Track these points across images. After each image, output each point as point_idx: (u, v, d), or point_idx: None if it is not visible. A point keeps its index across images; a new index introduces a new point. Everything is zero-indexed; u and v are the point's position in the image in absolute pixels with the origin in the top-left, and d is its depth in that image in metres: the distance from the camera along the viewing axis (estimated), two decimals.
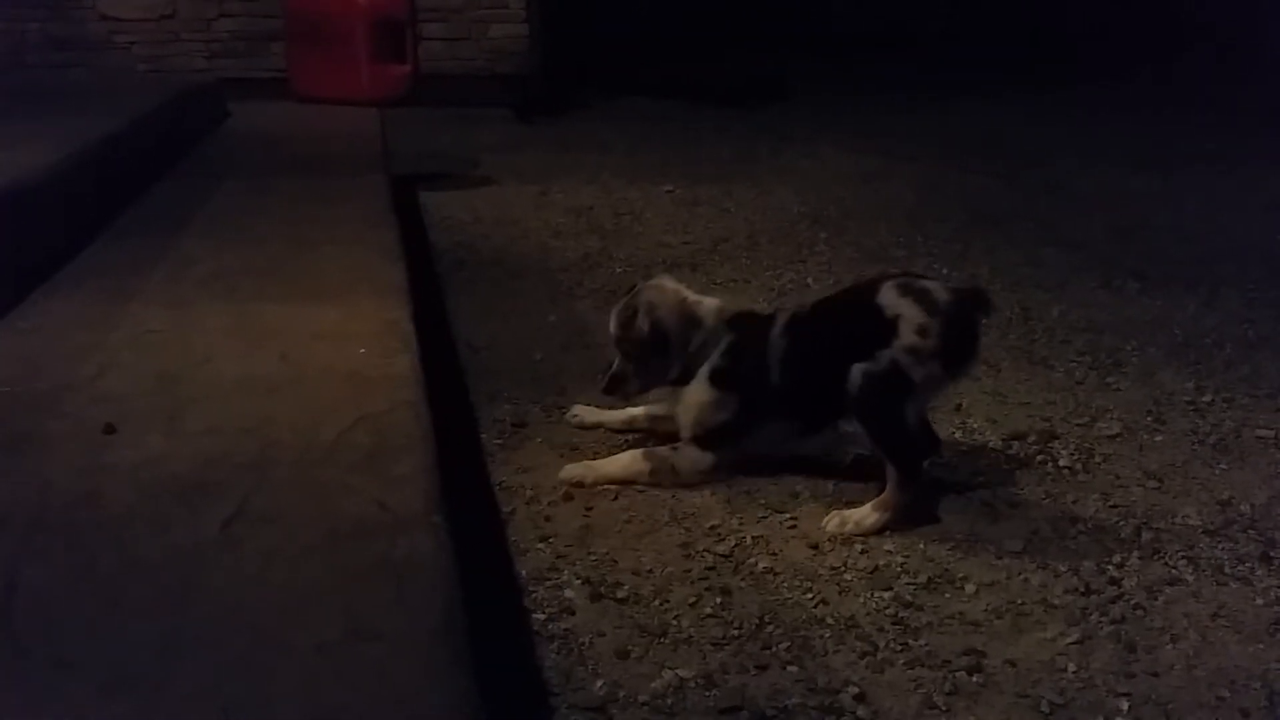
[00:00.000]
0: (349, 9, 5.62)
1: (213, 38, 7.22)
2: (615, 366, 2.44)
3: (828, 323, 2.36)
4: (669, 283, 2.50)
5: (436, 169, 5.52)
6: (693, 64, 9.17)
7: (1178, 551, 2.14)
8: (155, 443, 1.82)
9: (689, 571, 2.05)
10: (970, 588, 2.01)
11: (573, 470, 2.38)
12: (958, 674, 1.77)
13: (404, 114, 5.76)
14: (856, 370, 2.19)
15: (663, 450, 2.40)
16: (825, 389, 2.28)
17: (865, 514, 2.20)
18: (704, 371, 2.38)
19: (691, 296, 2.46)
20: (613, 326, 2.45)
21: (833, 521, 2.20)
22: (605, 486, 2.34)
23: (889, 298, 2.22)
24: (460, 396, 2.83)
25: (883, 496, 2.22)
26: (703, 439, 2.38)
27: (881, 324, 2.19)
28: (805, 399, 2.36)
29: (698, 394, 2.38)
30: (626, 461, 2.39)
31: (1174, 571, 2.07)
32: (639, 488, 2.35)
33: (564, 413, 2.70)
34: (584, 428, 2.63)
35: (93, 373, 2.11)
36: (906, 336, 2.17)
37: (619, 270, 3.98)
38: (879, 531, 2.18)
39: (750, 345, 2.38)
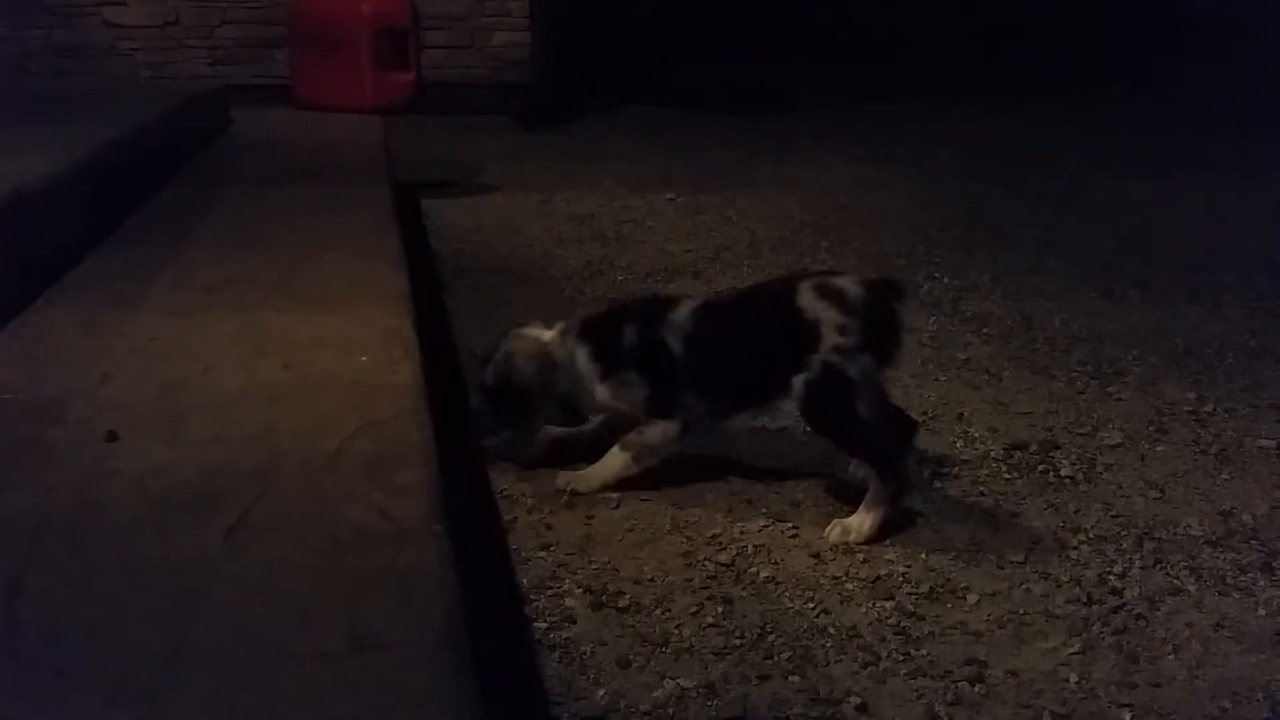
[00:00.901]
0: (352, 17, 5.63)
1: (216, 45, 7.24)
2: (499, 438, 2.50)
3: (746, 317, 2.40)
4: (528, 331, 2.51)
5: (439, 177, 5.53)
6: (695, 72, 9.20)
7: (1180, 562, 2.14)
8: (158, 451, 1.82)
9: (690, 580, 2.05)
10: (972, 597, 2.01)
11: (566, 478, 2.40)
12: (960, 684, 1.77)
13: (407, 122, 5.77)
14: (798, 382, 2.22)
15: (632, 435, 2.41)
16: (738, 378, 2.34)
17: (861, 520, 2.21)
18: (593, 381, 2.40)
19: (545, 336, 2.47)
20: (493, 386, 2.47)
21: (834, 531, 2.21)
22: (605, 495, 2.35)
23: (807, 300, 2.25)
24: (462, 404, 2.83)
25: (868, 497, 2.22)
26: (651, 410, 2.38)
27: (803, 326, 2.23)
28: (714, 381, 2.37)
29: (604, 393, 2.40)
30: (610, 460, 2.39)
31: (1176, 582, 2.07)
32: (641, 496, 2.35)
33: None
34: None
35: (96, 380, 2.12)
36: (829, 338, 2.21)
37: (621, 278, 3.99)
38: (879, 534, 2.19)
39: (615, 336, 2.39)
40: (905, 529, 2.24)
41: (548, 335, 2.48)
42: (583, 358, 2.41)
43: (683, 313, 2.38)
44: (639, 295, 2.57)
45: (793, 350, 2.24)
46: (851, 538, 2.19)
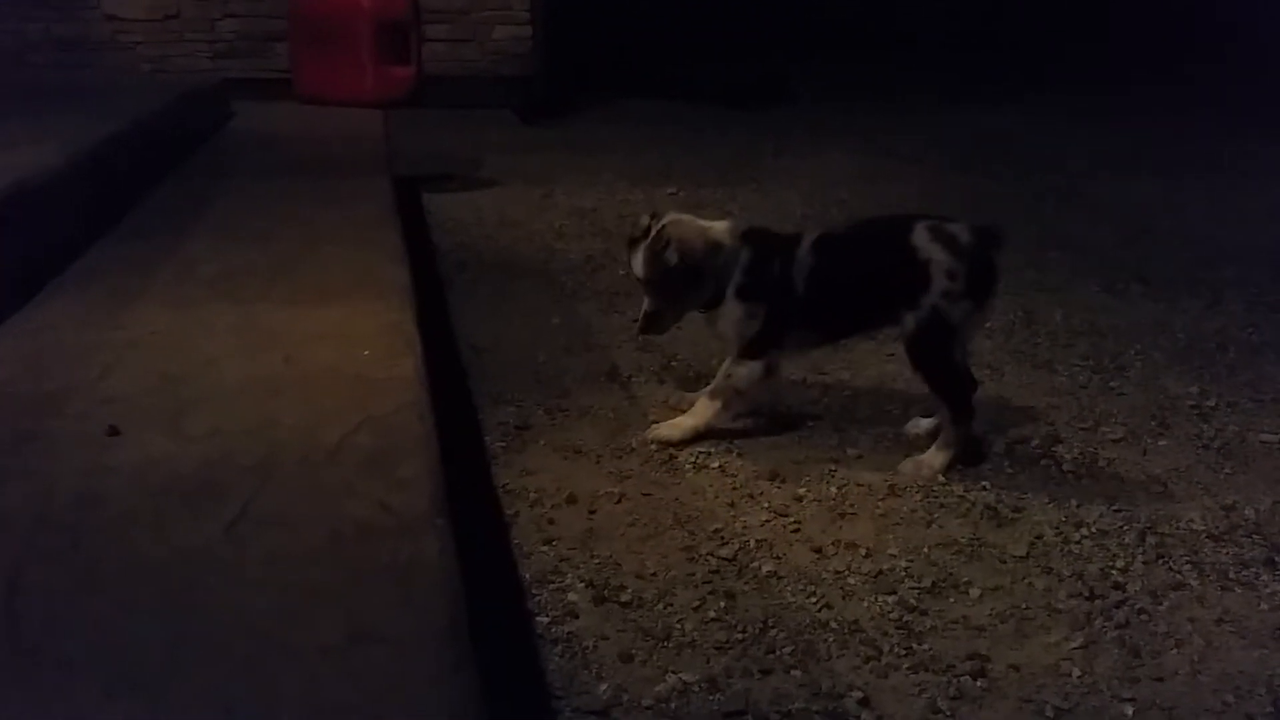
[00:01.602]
0: (353, 10, 5.62)
1: (217, 38, 7.22)
2: (647, 305, 2.60)
3: (861, 252, 2.56)
4: (685, 216, 2.62)
5: (440, 170, 5.52)
6: (695, 66, 9.18)
7: (1182, 556, 2.13)
8: (159, 444, 1.82)
9: (692, 575, 2.05)
10: (974, 592, 2.01)
11: (660, 431, 2.57)
12: (962, 678, 1.76)
13: (407, 115, 5.75)
14: (908, 320, 2.42)
15: (719, 381, 2.58)
16: (849, 308, 2.56)
17: (934, 457, 2.43)
18: (731, 290, 2.53)
19: (705, 223, 2.60)
20: (639, 267, 2.56)
21: (907, 466, 2.43)
22: (607, 490, 2.35)
23: (922, 240, 2.40)
24: (464, 399, 2.83)
25: (943, 436, 2.45)
26: (747, 349, 2.54)
27: (915, 265, 2.40)
28: (828, 313, 2.55)
29: (732, 311, 2.55)
30: (699, 408, 2.57)
31: (1178, 576, 2.07)
32: (644, 490, 2.35)
33: (567, 415, 2.71)
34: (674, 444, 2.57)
35: (97, 374, 2.11)
36: (939, 281, 2.38)
37: (622, 272, 3.97)
38: (949, 468, 2.42)
39: (769, 258, 2.53)
40: (907, 524, 2.24)
41: (710, 223, 2.59)
42: (744, 259, 2.53)
43: (804, 247, 2.52)
44: (772, 228, 2.71)
45: (904, 287, 2.42)
46: (924, 472, 2.41)
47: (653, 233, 2.55)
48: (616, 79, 8.67)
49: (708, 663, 1.79)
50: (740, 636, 1.86)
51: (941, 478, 2.42)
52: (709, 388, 2.59)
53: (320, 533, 1.56)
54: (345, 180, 4.04)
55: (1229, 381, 3.02)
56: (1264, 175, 5.81)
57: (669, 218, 2.58)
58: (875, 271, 2.49)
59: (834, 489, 2.38)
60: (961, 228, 2.43)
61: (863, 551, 2.14)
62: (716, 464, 2.49)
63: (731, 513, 2.28)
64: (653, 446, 2.54)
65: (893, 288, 2.44)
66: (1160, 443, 2.64)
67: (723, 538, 2.18)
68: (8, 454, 1.78)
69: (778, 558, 2.11)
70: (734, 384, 2.55)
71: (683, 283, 2.53)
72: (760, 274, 2.52)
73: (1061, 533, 2.21)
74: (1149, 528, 2.24)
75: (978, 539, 2.19)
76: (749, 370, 2.54)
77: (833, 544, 2.16)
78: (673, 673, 1.76)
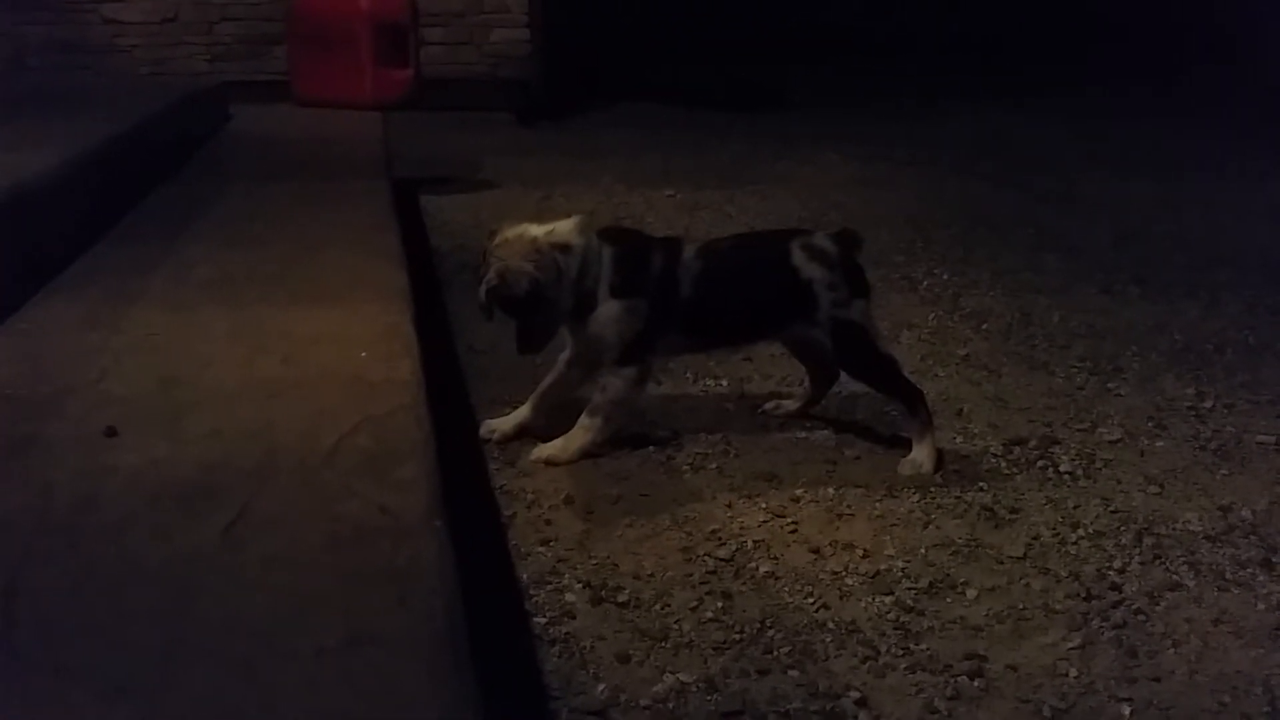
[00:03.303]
0: (351, 13, 5.63)
1: (215, 41, 7.24)
2: (517, 329, 2.43)
3: (747, 268, 2.55)
4: (514, 230, 2.40)
5: (438, 173, 5.52)
6: (694, 69, 9.19)
7: (1179, 557, 2.14)
8: (157, 447, 1.82)
9: (690, 575, 2.05)
10: (971, 593, 2.01)
11: (546, 451, 2.47)
12: (959, 679, 1.76)
13: (406, 118, 5.76)
14: (818, 336, 2.48)
15: (595, 396, 2.48)
16: (732, 319, 2.54)
17: (921, 451, 2.45)
18: (604, 290, 2.41)
19: (542, 231, 2.39)
20: (491, 298, 2.38)
21: (905, 468, 2.43)
22: (605, 490, 2.35)
23: (800, 260, 2.46)
24: (461, 400, 2.83)
25: (915, 431, 2.47)
26: (625, 354, 2.44)
27: (798, 285, 2.45)
28: (709, 322, 2.52)
29: (610, 311, 2.42)
30: (582, 427, 2.47)
31: (1175, 577, 2.07)
32: (641, 491, 2.35)
33: (565, 416, 2.70)
34: (508, 439, 2.58)
35: (95, 376, 2.11)
36: (824, 294, 2.45)
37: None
38: (939, 456, 2.46)
39: (644, 254, 2.46)
40: (904, 525, 2.24)
41: (550, 225, 2.40)
42: (610, 256, 2.42)
43: (690, 253, 2.48)
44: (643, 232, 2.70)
45: (790, 306, 2.47)
46: (924, 469, 2.42)
47: (485, 258, 2.38)
48: (615, 82, 8.68)
49: (705, 663, 1.80)
50: (738, 637, 1.86)
51: (939, 478, 2.42)
52: (586, 408, 2.47)
53: (318, 535, 1.56)
54: (343, 183, 4.04)
55: (1226, 383, 3.02)
56: (1261, 177, 5.82)
57: (498, 239, 2.39)
58: (762, 288, 2.50)
59: (831, 490, 2.38)
60: (824, 238, 2.51)
61: (860, 552, 2.14)
62: (714, 465, 2.49)
63: (729, 513, 2.28)
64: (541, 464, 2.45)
65: (778, 306, 2.49)
66: (1157, 444, 2.65)
67: (720, 538, 2.18)
68: (5, 457, 1.78)
69: (775, 558, 2.12)
70: (611, 396, 2.44)
71: (530, 304, 2.34)
72: (636, 270, 2.41)
73: (1058, 533, 2.22)
74: (1146, 528, 2.24)
75: (975, 540, 2.19)
76: (625, 377, 2.44)
77: (830, 545, 2.16)
78: (670, 673, 1.76)
